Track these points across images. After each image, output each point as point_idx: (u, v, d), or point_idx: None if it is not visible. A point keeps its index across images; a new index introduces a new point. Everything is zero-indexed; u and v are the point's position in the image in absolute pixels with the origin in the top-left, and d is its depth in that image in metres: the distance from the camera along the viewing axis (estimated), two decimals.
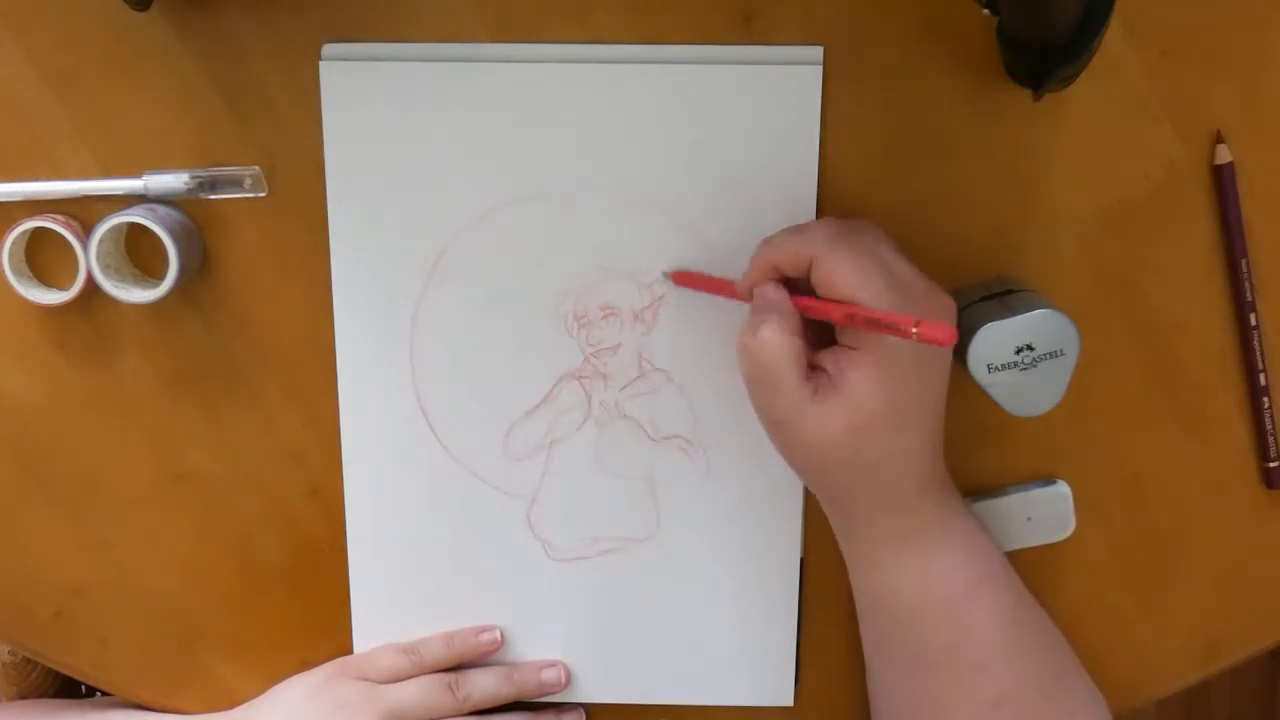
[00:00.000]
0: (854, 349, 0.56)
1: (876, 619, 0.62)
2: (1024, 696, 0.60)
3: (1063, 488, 0.67)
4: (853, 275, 0.54)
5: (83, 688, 0.82)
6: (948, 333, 0.49)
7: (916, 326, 0.50)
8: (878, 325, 0.53)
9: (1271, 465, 0.67)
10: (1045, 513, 0.67)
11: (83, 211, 0.64)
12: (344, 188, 0.64)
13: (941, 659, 0.60)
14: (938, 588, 0.59)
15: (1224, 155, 0.63)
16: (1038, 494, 0.67)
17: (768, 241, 0.58)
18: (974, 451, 0.67)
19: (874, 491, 0.58)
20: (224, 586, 0.69)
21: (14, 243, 0.63)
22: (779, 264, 0.57)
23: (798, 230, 0.57)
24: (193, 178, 0.63)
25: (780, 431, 0.57)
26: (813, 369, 0.57)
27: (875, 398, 0.55)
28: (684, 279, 0.64)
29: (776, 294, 0.57)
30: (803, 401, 0.56)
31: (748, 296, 0.59)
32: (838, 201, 0.64)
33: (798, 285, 0.58)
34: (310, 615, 0.69)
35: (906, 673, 0.62)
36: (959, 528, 0.60)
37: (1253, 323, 0.65)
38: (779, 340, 0.56)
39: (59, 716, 0.72)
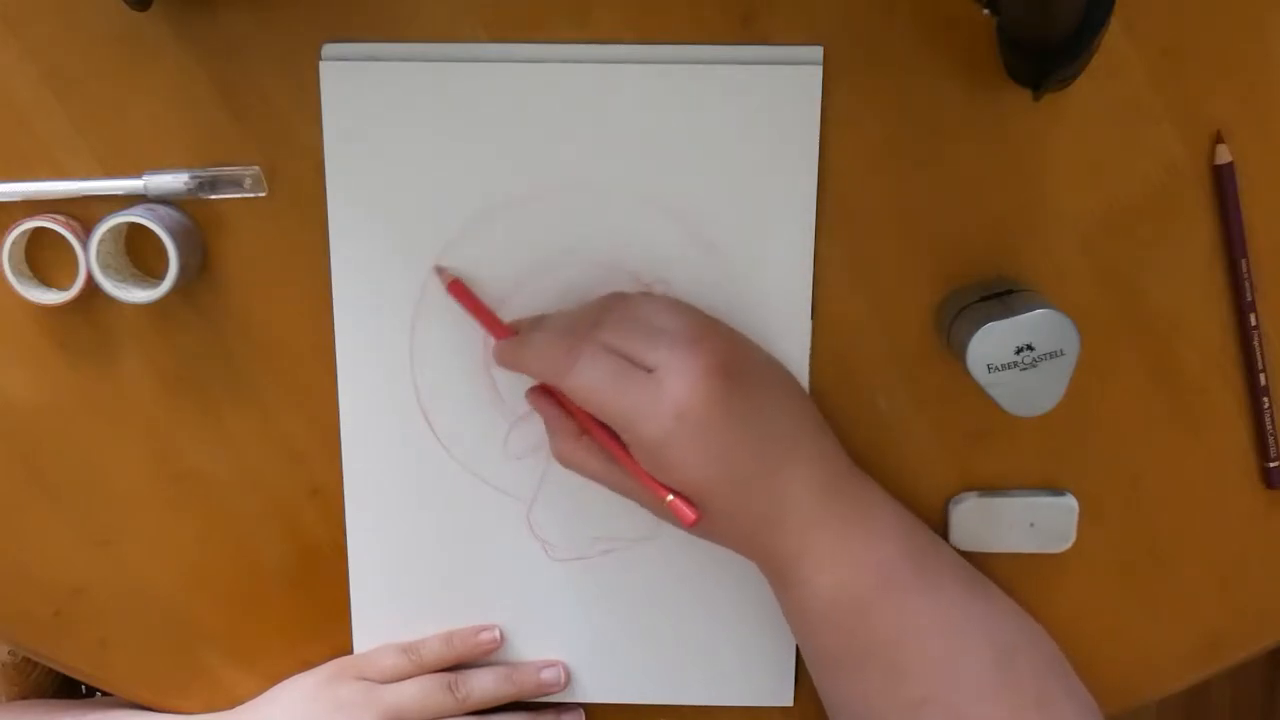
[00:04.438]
0: None
1: (794, 624, 0.63)
2: (949, 694, 0.59)
3: (1070, 500, 0.67)
4: (595, 400, 0.58)
5: (83, 688, 0.82)
6: (693, 517, 0.58)
7: (668, 499, 0.58)
8: (635, 478, 0.59)
9: (1271, 465, 0.67)
10: (1049, 522, 0.67)
11: (83, 211, 0.64)
12: (344, 188, 0.64)
13: (851, 662, 0.60)
14: (826, 605, 0.59)
15: (1224, 155, 0.63)
16: (1044, 502, 0.67)
17: (518, 356, 0.62)
18: (974, 452, 0.67)
19: (729, 539, 0.61)
20: (224, 586, 0.69)
21: (14, 243, 0.63)
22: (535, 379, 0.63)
23: (541, 356, 0.60)
24: (193, 178, 0.63)
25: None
26: None
27: (679, 485, 0.59)
28: (457, 291, 0.64)
29: (542, 407, 0.63)
30: (627, 481, 0.60)
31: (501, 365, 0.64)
32: (838, 201, 0.64)
33: None
34: (310, 615, 0.69)
35: (832, 673, 0.62)
36: (844, 544, 0.60)
37: (1253, 323, 0.65)
38: (569, 454, 0.62)
39: (59, 716, 0.72)
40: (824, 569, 0.59)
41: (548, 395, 0.63)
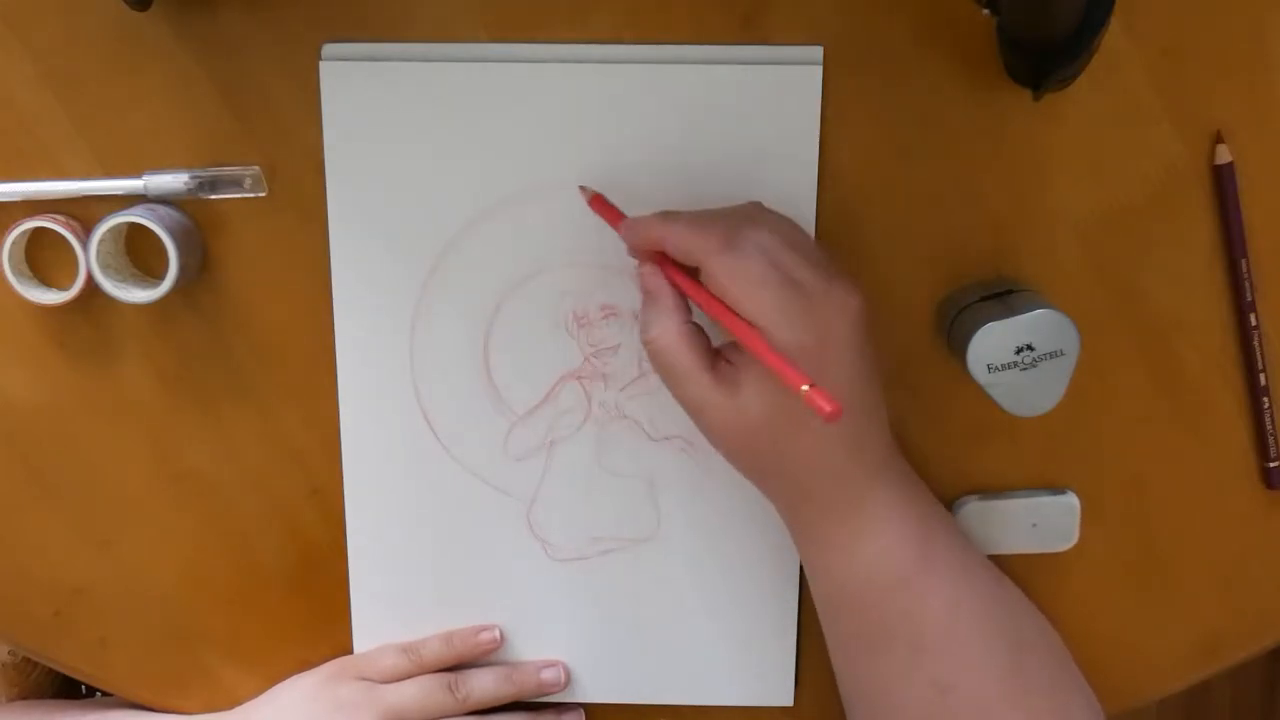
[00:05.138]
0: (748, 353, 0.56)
1: (821, 601, 0.62)
2: (972, 681, 0.59)
3: (1071, 499, 0.67)
4: (740, 286, 0.55)
5: (83, 688, 0.82)
6: (833, 408, 0.50)
7: (804, 389, 0.51)
8: (768, 364, 0.54)
9: (1271, 465, 0.67)
10: (1051, 522, 0.67)
11: (83, 211, 0.64)
12: (344, 188, 0.64)
13: (882, 641, 0.60)
14: (868, 573, 0.59)
15: (1224, 155, 0.63)
16: (1046, 501, 0.67)
17: (666, 224, 0.58)
18: (973, 452, 0.67)
19: (787, 483, 0.59)
20: (224, 586, 0.69)
21: (14, 243, 0.63)
22: (669, 250, 0.57)
23: (696, 228, 0.57)
24: (193, 178, 0.63)
25: (695, 418, 0.58)
26: (720, 355, 0.57)
27: (763, 406, 0.56)
28: (598, 205, 0.62)
29: (656, 283, 0.58)
30: (705, 392, 0.56)
31: (630, 251, 0.60)
32: (838, 201, 0.64)
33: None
34: (310, 615, 0.69)
35: (854, 654, 0.62)
36: (894, 511, 0.59)
37: (1253, 323, 0.65)
38: (669, 340, 0.57)
39: (59, 716, 0.72)
40: (871, 535, 0.58)
41: (662, 273, 0.59)
